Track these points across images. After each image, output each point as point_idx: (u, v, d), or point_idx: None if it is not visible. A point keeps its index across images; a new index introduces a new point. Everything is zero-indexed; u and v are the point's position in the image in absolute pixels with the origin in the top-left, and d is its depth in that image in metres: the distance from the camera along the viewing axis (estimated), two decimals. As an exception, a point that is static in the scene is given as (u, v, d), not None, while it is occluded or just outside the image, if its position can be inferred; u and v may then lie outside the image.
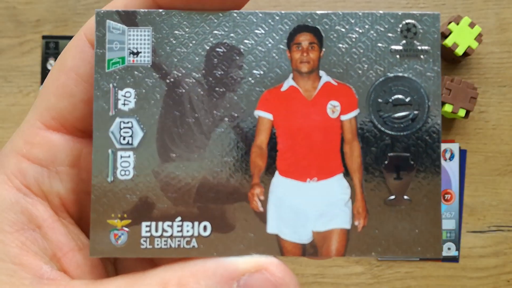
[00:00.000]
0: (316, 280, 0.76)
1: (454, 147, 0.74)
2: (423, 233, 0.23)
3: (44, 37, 0.89)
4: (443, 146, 0.74)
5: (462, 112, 0.68)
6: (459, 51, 0.69)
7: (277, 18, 0.24)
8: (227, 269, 0.22)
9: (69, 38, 0.88)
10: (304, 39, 0.24)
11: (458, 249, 0.77)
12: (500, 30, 0.77)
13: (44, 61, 0.89)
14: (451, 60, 0.74)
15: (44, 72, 0.88)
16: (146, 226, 0.23)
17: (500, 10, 0.79)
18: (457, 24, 0.70)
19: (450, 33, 0.69)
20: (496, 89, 0.74)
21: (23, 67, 0.88)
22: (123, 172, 0.24)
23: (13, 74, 0.87)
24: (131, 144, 0.24)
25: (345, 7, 0.84)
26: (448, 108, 0.68)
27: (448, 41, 0.68)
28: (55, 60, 0.88)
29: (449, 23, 0.71)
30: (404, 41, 0.24)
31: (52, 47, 0.89)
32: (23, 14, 0.89)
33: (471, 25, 0.71)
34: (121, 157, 0.24)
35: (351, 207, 0.24)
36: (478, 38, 0.70)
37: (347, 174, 0.24)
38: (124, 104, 0.24)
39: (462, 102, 0.69)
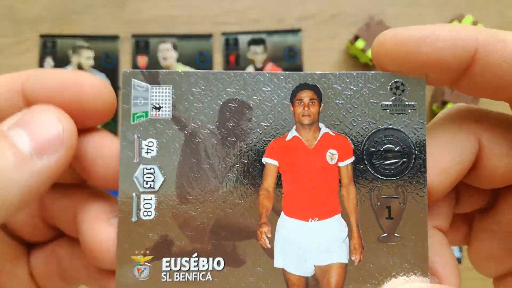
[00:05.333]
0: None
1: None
2: (413, 266, 0.28)
3: (41, 36, 0.93)
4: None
5: (464, 114, 0.72)
6: (461, 53, 0.73)
7: (281, 77, 0.28)
8: None
9: (67, 37, 0.92)
10: (305, 95, 0.28)
11: (461, 250, 0.82)
12: (502, 29, 0.80)
13: (42, 60, 0.92)
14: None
15: (42, 71, 0.92)
16: (166, 261, 0.28)
17: (503, 8, 0.83)
18: (460, 22, 0.74)
19: (451, 36, 0.73)
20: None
21: (20, 66, 0.91)
22: (145, 213, 0.28)
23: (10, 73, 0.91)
24: (153, 188, 0.28)
25: (349, 4, 0.88)
26: (450, 109, 0.72)
27: (450, 44, 0.72)
28: (52, 59, 0.92)
29: (452, 21, 0.75)
30: (393, 97, 0.28)
31: (50, 46, 0.92)
32: (21, 12, 0.92)
33: (474, 23, 0.74)
34: (144, 199, 0.28)
35: (348, 244, 0.28)
36: (480, 40, 0.74)
37: (344, 214, 0.28)
38: (147, 153, 0.28)
39: (464, 101, 0.73)
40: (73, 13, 0.92)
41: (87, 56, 0.92)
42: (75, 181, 0.29)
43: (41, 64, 0.91)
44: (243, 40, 0.94)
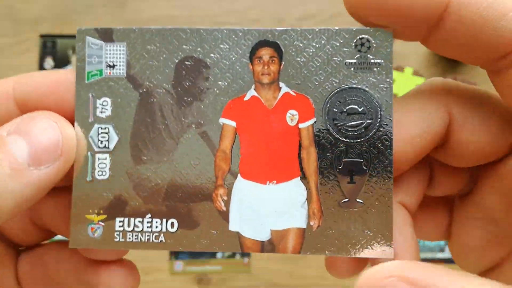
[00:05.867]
0: (317, 282, 0.80)
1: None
2: (375, 234, 0.27)
3: (41, 36, 0.93)
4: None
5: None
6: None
7: (240, 34, 0.27)
8: None
9: (67, 37, 0.93)
10: (265, 53, 0.27)
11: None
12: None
13: (42, 61, 0.93)
14: (453, 59, 0.77)
15: (42, 71, 0.92)
16: (120, 221, 0.27)
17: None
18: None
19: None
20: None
21: (20, 66, 0.92)
22: (100, 173, 0.27)
23: (10, 73, 0.91)
24: (108, 147, 0.27)
25: None
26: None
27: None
28: (52, 59, 0.93)
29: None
30: (358, 55, 0.27)
31: (50, 46, 0.93)
32: (21, 12, 0.93)
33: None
34: (99, 159, 0.27)
35: (307, 208, 0.27)
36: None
37: (304, 178, 0.27)
38: (101, 112, 0.28)
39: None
40: (73, 13, 0.92)
41: (87, 56, 0.92)
42: (64, 184, 0.29)
43: (41, 64, 0.92)
44: (244, 41, 0.93)
